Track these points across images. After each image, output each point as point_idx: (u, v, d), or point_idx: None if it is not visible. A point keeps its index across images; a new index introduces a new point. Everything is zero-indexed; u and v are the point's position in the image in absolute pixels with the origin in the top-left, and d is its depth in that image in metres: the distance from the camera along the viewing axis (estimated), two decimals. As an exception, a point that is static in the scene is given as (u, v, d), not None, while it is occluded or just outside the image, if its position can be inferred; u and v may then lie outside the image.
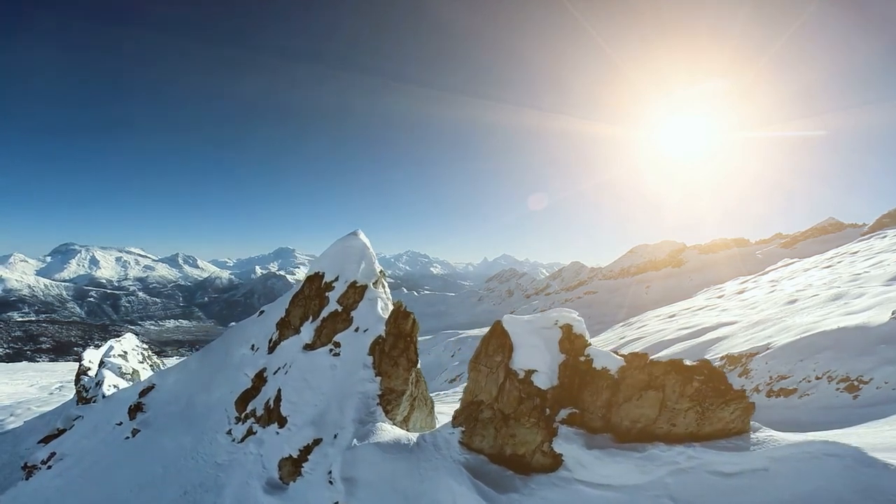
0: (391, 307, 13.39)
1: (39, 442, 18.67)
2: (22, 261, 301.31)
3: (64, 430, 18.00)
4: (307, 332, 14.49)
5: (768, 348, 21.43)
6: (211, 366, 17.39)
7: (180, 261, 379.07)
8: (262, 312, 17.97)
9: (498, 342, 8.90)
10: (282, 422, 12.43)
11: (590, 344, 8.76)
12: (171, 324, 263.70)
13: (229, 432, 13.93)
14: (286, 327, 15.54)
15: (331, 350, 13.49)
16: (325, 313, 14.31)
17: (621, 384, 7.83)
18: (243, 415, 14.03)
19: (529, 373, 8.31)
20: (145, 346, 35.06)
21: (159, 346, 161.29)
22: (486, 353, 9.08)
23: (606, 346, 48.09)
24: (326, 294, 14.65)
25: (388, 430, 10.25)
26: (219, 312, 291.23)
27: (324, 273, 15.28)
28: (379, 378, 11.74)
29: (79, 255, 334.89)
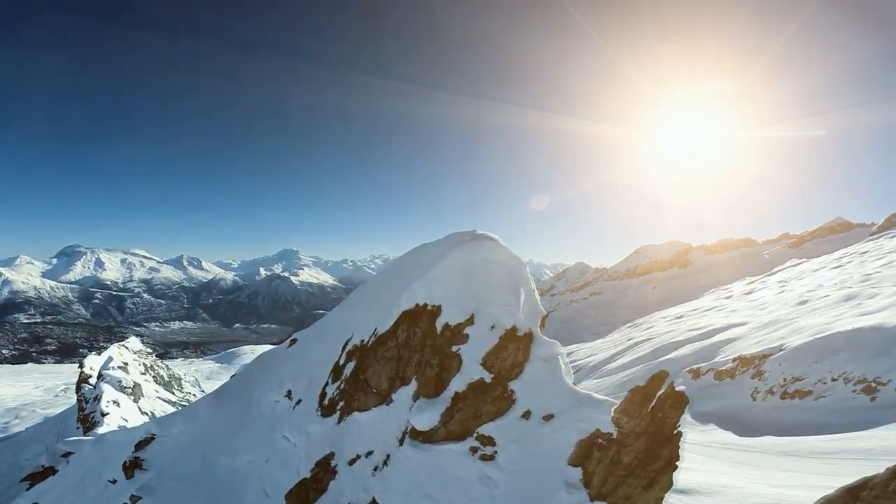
0: (571, 370, 8.44)
1: (24, 480, 17.19)
2: (28, 262, 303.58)
3: (51, 469, 15.47)
4: (422, 412, 8.47)
5: (781, 349, 21.15)
6: (229, 416, 13.68)
7: (185, 262, 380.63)
8: (294, 341, 14.43)
9: None
10: (388, 557, 8.03)
11: None
12: (175, 325, 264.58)
13: None
14: (360, 388, 9.69)
15: (475, 450, 8.00)
16: (458, 384, 8.32)
17: None
18: (304, 519, 9.67)
19: None
20: (149, 350, 34.87)
21: (164, 348, 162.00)
22: None
23: (614, 348, 47.34)
24: (454, 348, 8.50)
25: None
26: (223, 314, 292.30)
27: (439, 307, 8.81)
28: None
29: (84, 256, 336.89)
